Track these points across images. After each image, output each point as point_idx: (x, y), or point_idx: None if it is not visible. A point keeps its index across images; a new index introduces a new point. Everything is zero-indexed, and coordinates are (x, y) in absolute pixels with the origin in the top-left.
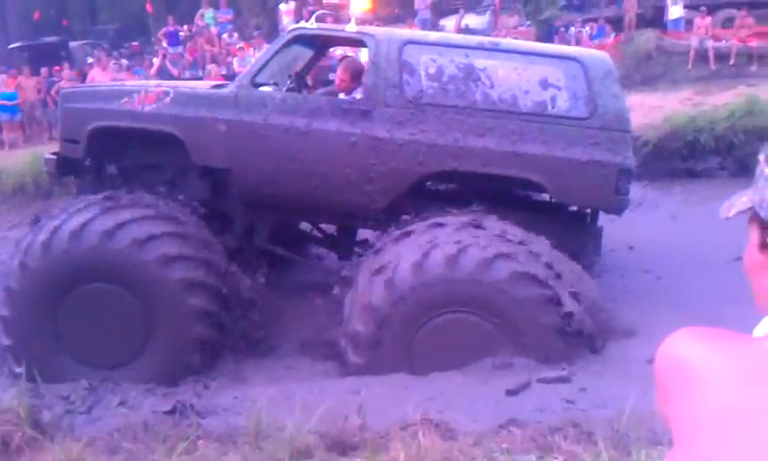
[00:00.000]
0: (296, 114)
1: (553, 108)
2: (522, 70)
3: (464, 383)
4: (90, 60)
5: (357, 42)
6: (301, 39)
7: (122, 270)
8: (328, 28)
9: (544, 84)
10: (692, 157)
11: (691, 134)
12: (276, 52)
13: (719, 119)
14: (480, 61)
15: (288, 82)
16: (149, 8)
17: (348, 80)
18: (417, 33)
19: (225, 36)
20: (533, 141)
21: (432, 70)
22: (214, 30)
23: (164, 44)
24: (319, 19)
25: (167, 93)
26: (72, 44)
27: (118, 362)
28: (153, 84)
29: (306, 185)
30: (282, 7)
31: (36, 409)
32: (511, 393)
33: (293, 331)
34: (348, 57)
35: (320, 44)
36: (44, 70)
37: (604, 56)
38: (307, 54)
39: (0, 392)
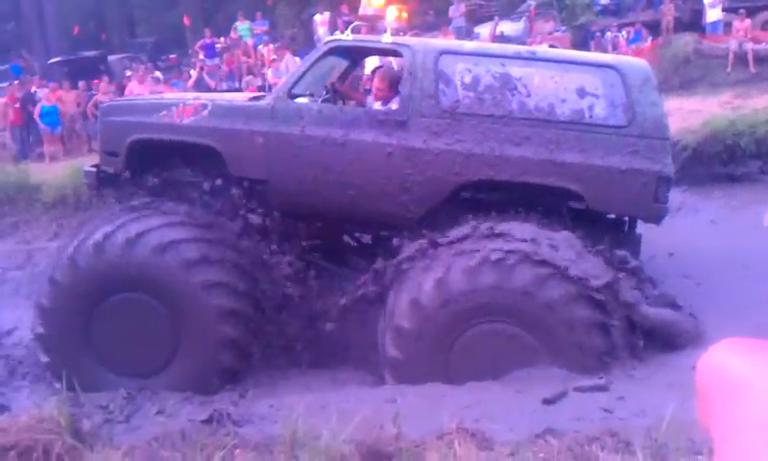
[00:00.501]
0: (332, 125)
1: (591, 116)
2: (559, 79)
3: (500, 392)
4: (129, 73)
5: (393, 53)
6: (337, 51)
7: (146, 277)
8: (364, 39)
9: (582, 93)
10: (732, 162)
11: (731, 138)
12: (313, 64)
13: (759, 122)
14: (516, 70)
15: (324, 92)
16: (186, 20)
17: (385, 89)
18: (452, 42)
19: (261, 47)
20: (570, 150)
21: (468, 80)
22: (250, 41)
23: (201, 56)
24: (354, 30)
25: (205, 106)
26: (111, 58)
27: (150, 371)
28: (191, 97)
29: (343, 196)
30: (317, 18)
31: (75, 418)
32: (547, 402)
33: (328, 338)
34: (382, 66)
35: (355, 55)
36: (83, 84)
37: (642, 63)
38: (343, 64)
39: (40, 401)
